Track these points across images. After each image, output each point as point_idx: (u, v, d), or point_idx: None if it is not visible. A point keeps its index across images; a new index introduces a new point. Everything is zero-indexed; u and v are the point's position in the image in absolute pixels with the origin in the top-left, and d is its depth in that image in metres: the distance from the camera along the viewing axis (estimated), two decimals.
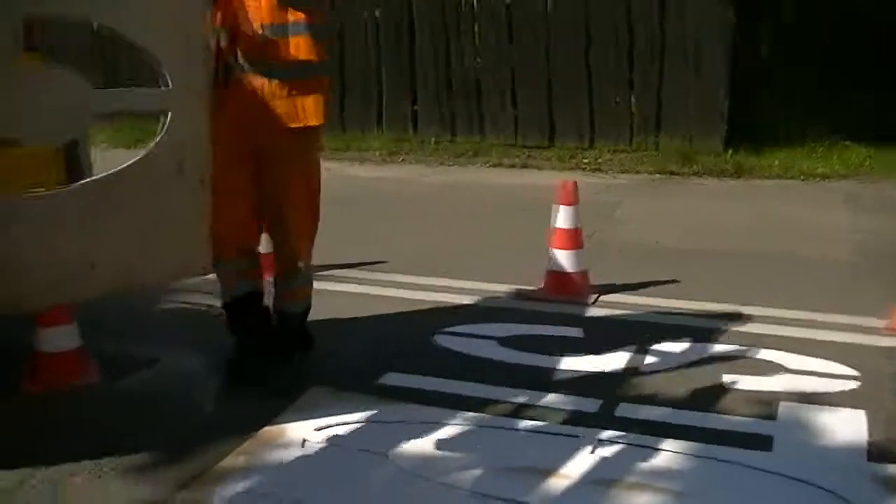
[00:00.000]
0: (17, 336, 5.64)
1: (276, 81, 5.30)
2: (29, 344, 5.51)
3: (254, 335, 5.73)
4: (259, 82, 5.29)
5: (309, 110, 5.38)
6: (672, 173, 11.06)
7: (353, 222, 9.15)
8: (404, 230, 8.96)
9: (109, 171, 4.71)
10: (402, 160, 12.22)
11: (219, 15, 5.27)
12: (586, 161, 11.53)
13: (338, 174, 11.57)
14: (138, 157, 4.74)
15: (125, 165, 4.72)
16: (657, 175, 11.06)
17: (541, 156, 11.80)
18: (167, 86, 4.76)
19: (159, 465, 4.57)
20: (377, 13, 12.56)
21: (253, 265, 5.72)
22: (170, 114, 4.77)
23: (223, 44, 5.30)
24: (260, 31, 5.28)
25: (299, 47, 5.30)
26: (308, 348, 5.92)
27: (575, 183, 7.03)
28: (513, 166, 11.69)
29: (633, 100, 11.60)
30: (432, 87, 12.37)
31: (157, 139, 4.77)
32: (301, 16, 5.29)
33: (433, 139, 12.38)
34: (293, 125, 5.35)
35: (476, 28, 12.12)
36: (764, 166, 11.06)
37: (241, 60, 5.32)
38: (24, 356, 5.56)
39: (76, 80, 4.63)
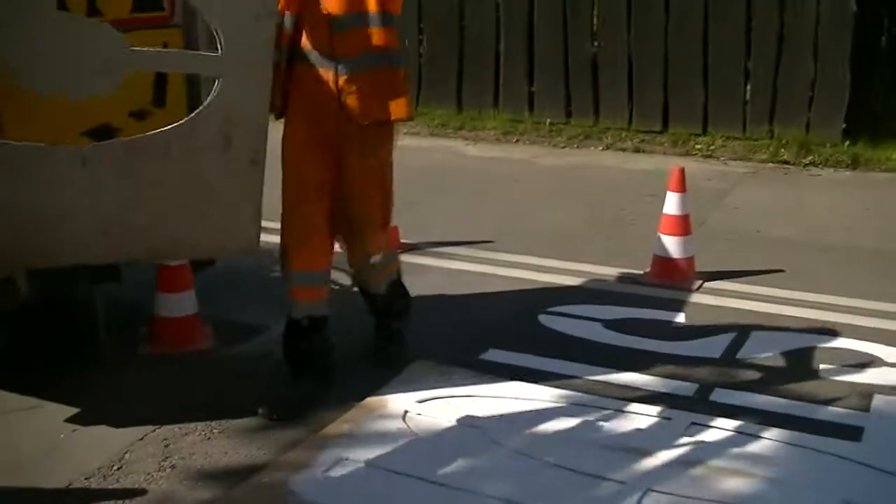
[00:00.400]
0: (138, 300, 5.93)
1: (345, 75, 4.95)
2: (148, 308, 5.79)
3: (306, 368, 5.30)
4: (327, 75, 4.98)
5: (382, 105, 5.01)
6: (786, 162, 10.97)
7: (463, 201, 9.31)
8: (515, 210, 9.05)
9: (142, 135, 4.50)
10: (517, 140, 12.28)
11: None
12: (699, 147, 11.46)
13: (452, 152, 11.75)
14: (178, 123, 4.52)
15: (162, 130, 4.49)
16: (770, 164, 10.97)
17: (654, 140, 11.77)
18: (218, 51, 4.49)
19: (266, 428, 4.80)
20: None
21: (320, 282, 5.31)
22: (219, 81, 4.50)
23: (287, 30, 5.00)
24: (328, 21, 4.95)
25: (370, 38, 4.94)
26: (401, 318, 5.77)
27: (683, 169, 7.09)
28: (625, 150, 11.69)
29: (748, 87, 11.53)
30: (550, 70, 12.41)
31: (201, 107, 4.53)
32: (375, 5, 4.93)
33: (548, 121, 12.43)
34: (365, 121, 5.02)
35: (595, 11, 12.14)
36: (881, 158, 10.90)
37: (306, 51, 5.04)
38: (143, 320, 5.85)
39: (117, 37, 4.47)
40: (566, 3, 12.21)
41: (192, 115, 4.56)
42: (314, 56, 5.02)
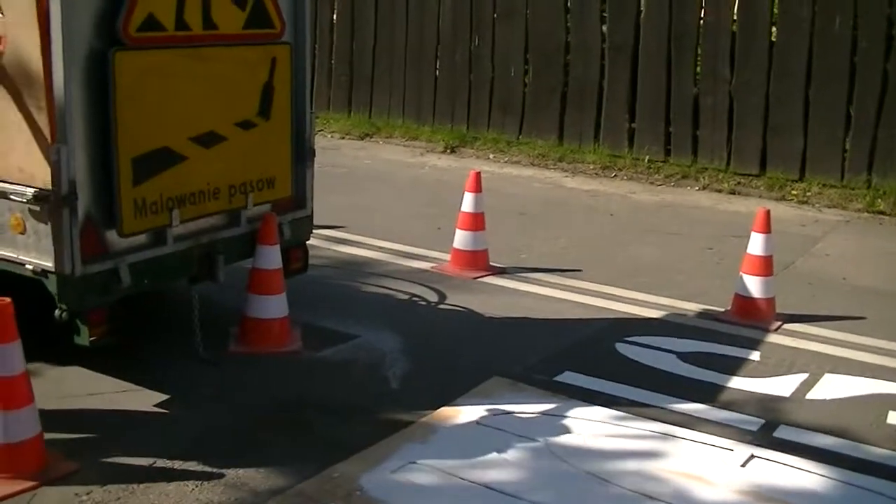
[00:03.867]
0: (230, 301, 6.22)
1: None
2: (239, 309, 6.07)
3: None
4: None
5: None
6: (882, 213, 10.95)
7: (557, 230, 9.50)
8: (606, 242, 9.25)
9: None
10: (615, 176, 12.43)
11: None
12: (794, 193, 11.51)
13: (551, 183, 11.94)
14: None
15: None
16: (865, 213, 10.97)
17: (750, 184, 11.85)
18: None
19: (342, 430, 5.04)
20: (604, 28, 12.85)
21: None
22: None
23: None
24: None
25: None
26: None
27: (768, 211, 7.17)
28: (721, 191, 11.77)
29: (848, 137, 11.53)
30: (651, 108, 12.56)
31: None
32: None
33: (647, 158, 12.57)
34: None
35: (699, 54, 12.26)
36: None
37: None
38: (234, 320, 6.13)
39: None
40: (671, 44, 12.34)
41: None
42: None
